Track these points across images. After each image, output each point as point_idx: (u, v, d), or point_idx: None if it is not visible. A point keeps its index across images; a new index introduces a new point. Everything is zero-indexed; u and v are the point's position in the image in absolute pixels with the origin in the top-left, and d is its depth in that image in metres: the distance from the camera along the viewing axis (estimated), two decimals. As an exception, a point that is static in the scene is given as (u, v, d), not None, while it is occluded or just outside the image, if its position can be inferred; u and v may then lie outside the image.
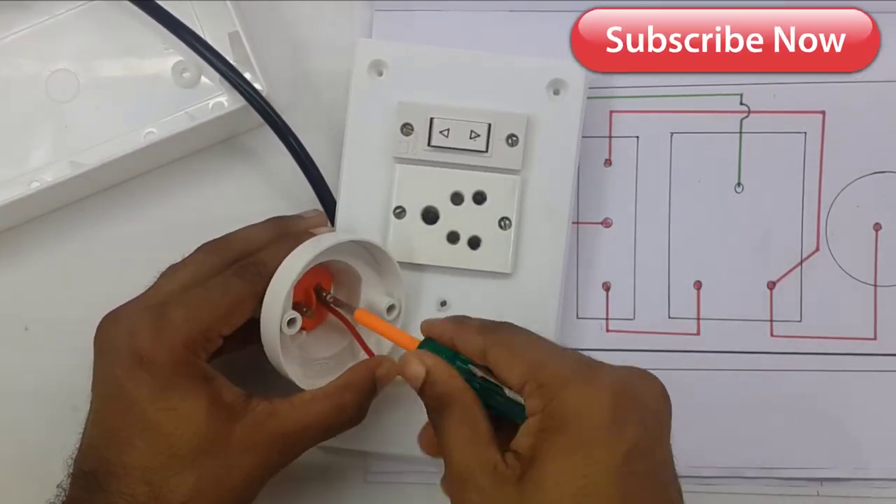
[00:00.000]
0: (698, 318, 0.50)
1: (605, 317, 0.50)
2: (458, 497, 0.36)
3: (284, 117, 0.47)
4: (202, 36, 0.47)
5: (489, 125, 0.46)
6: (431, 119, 0.46)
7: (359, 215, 0.47)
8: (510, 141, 0.46)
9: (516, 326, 0.40)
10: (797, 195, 0.49)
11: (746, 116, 0.49)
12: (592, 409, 0.35)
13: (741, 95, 0.49)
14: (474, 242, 0.47)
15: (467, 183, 0.46)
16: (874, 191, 0.49)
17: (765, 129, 0.49)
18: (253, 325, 0.42)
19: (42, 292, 0.50)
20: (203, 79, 0.50)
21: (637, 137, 0.50)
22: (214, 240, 0.44)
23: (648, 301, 0.50)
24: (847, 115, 0.49)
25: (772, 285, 0.49)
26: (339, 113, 0.48)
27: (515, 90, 0.46)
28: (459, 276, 0.47)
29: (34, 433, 0.49)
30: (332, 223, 0.47)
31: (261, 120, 0.46)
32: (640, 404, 0.35)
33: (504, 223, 0.46)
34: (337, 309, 0.45)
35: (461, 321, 0.40)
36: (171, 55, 0.49)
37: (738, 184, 0.49)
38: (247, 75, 0.47)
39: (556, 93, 0.47)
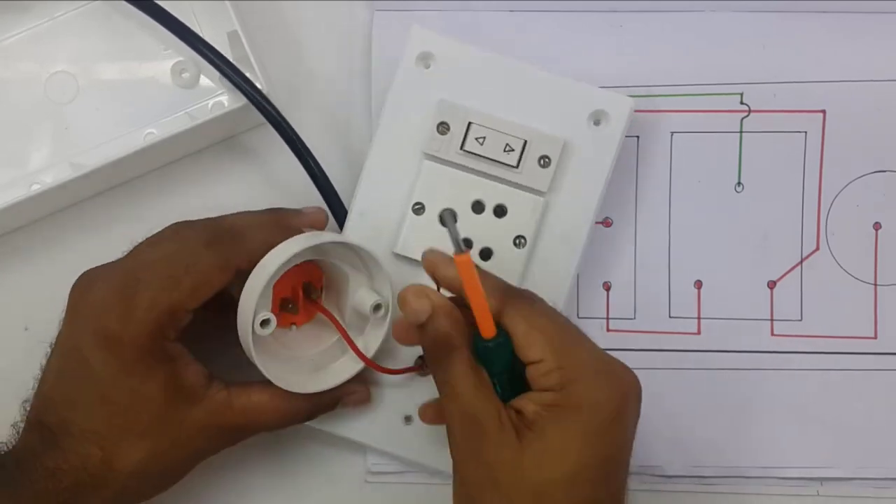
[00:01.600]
0: (699, 318, 0.50)
1: (605, 316, 0.50)
2: (462, 436, 0.38)
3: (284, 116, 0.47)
4: (201, 36, 0.47)
5: (525, 142, 0.45)
6: (469, 124, 0.45)
7: (376, 204, 0.47)
8: (542, 162, 0.45)
9: (535, 297, 0.40)
10: (797, 195, 0.49)
11: (747, 116, 0.49)
12: (608, 403, 0.37)
13: (741, 95, 0.49)
14: (486, 254, 0.46)
15: (491, 194, 0.46)
16: (874, 190, 0.49)
17: (765, 129, 0.49)
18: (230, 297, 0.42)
19: (42, 292, 0.50)
20: (202, 79, 0.49)
21: (637, 137, 0.49)
22: (207, 218, 0.44)
23: (649, 300, 0.50)
24: (847, 114, 0.49)
25: (772, 285, 0.49)
26: (339, 113, 0.48)
27: (557, 112, 0.46)
28: (465, 284, 0.46)
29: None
30: (342, 214, 0.47)
31: (260, 119, 0.46)
32: (635, 407, 0.39)
33: (519, 241, 0.46)
34: (325, 307, 0.45)
35: (483, 272, 0.39)
36: (170, 55, 0.49)
37: (738, 183, 0.49)
38: (246, 74, 0.46)
39: (597, 123, 0.46)
